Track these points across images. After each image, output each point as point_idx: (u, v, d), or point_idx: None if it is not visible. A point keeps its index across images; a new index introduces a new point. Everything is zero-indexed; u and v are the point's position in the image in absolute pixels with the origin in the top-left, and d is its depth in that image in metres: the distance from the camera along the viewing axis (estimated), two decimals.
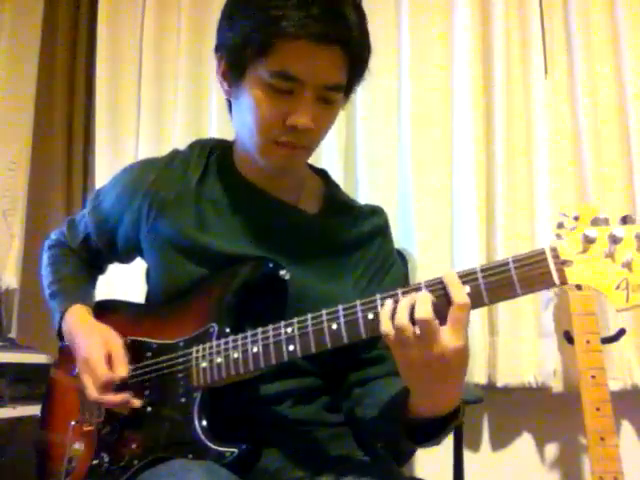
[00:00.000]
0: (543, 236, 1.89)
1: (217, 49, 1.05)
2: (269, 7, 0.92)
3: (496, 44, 1.99)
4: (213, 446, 0.92)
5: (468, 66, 1.98)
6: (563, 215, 1.15)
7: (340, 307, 0.87)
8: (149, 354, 1.05)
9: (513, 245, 1.90)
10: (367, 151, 2.04)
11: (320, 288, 1.05)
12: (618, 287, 0.77)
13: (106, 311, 1.17)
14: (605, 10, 1.98)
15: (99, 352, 1.04)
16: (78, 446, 1.07)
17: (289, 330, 0.91)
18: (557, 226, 1.38)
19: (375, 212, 1.18)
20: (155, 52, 2.24)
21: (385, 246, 1.16)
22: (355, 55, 0.97)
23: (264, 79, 0.96)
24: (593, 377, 1.62)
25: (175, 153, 1.18)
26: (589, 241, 0.79)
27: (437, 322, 0.78)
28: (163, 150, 1.24)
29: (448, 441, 1.61)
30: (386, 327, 0.81)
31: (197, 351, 0.98)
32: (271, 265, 1.02)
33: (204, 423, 0.95)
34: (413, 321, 0.79)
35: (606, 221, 0.79)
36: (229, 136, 1.21)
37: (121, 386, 1.02)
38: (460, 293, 0.79)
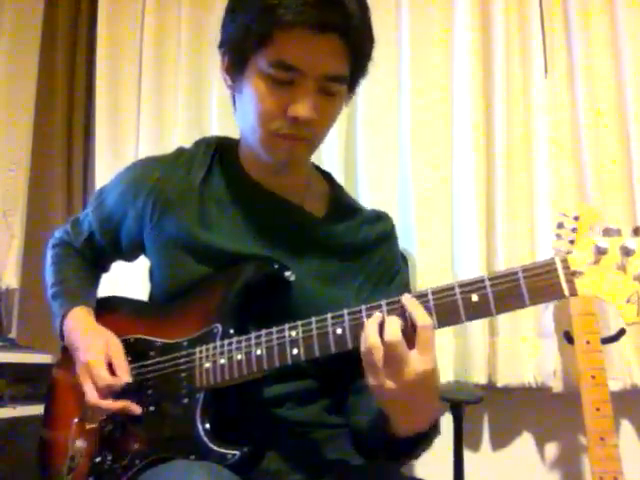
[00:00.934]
0: (543, 236, 1.89)
1: (220, 45, 1.05)
2: None
3: (496, 44, 1.99)
4: (215, 447, 0.92)
5: (468, 66, 1.98)
6: (563, 215, 1.14)
7: (345, 311, 0.87)
8: (152, 353, 1.05)
9: (513, 245, 1.90)
10: (367, 151, 2.05)
11: (323, 291, 1.05)
12: (629, 300, 0.76)
13: (109, 308, 1.17)
14: (605, 10, 1.98)
15: (100, 357, 1.04)
16: (80, 444, 1.06)
17: (293, 333, 0.90)
18: (557, 226, 1.38)
19: (381, 218, 1.18)
20: (155, 52, 2.24)
21: (391, 252, 1.16)
22: (355, 45, 0.96)
23: (264, 70, 0.96)
24: (593, 377, 1.62)
25: (180, 151, 1.18)
26: (600, 252, 0.77)
27: (405, 346, 0.79)
28: (163, 150, 1.23)
29: (448, 441, 1.61)
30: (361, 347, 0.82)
31: (200, 351, 0.98)
32: (276, 266, 1.02)
33: (206, 424, 0.95)
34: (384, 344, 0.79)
35: (618, 232, 0.78)
36: (230, 135, 1.21)
37: (122, 390, 1.02)
38: (422, 314, 0.80)
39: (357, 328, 0.85)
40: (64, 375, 1.19)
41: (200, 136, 1.22)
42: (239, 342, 0.95)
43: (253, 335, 0.94)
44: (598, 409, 1.60)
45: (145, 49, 2.25)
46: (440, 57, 2.06)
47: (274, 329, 0.92)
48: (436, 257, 1.95)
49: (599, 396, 1.61)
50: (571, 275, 0.78)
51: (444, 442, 1.62)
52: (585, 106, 1.94)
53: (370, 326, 0.82)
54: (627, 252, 0.76)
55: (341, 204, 1.16)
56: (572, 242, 1.06)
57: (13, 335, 2.14)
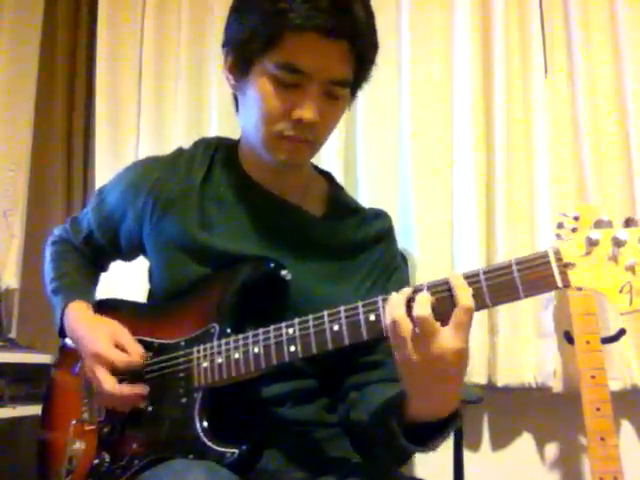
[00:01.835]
0: (543, 236, 1.89)
1: (224, 44, 1.05)
2: (277, 0, 0.92)
3: (496, 44, 1.99)
4: (214, 446, 0.92)
5: (468, 66, 1.98)
6: (563, 215, 1.15)
7: (342, 308, 0.87)
8: (151, 353, 1.04)
9: (513, 245, 1.90)
10: (367, 151, 2.05)
11: (322, 290, 1.05)
12: (621, 290, 0.76)
13: (107, 310, 1.17)
14: (605, 10, 1.98)
15: (108, 342, 1.03)
16: (79, 445, 1.06)
17: (290, 331, 0.91)
18: (557, 226, 1.38)
19: (380, 216, 1.18)
20: (155, 52, 2.24)
21: (389, 250, 1.16)
22: (362, 51, 0.97)
23: (270, 72, 0.96)
24: (593, 377, 1.62)
25: (180, 151, 1.18)
26: (592, 244, 0.78)
27: (436, 322, 0.78)
28: (163, 150, 1.24)
29: (448, 441, 1.61)
30: (386, 319, 0.81)
31: (198, 351, 0.98)
32: (272, 265, 1.02)
33: (205, 423, 0.95)
34: (413, 320, 0.79)
35: (609, 223, 0.79)
36: (230, 136, 1.21)
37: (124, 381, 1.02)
38: (466, 296, 0.79)
39: (353, 324, 0.86)
40: (62, 376, 1.19)
41: (200, 136, 1.22)
42: (236, 341, 0.95)
43: (250, 334, 0.94)
44: (598, 409, 1.60)
45: (145, 49, 2.25)
46: (440, 57, 2.06)
47: (271, 327, 0.92)
48: (436, 257, 1.95)
49: (599, 396, 1.61)
50: (564, 267, 0.78)
51: (444, 442, 1.62)
52: (585, 106, 1.94)
53: (398, 298, 0.81)
54: (618, 243, 0.77)
55: (340, 204, 1.16)
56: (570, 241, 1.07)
57: (13, 335, 2.14)
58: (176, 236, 1.09)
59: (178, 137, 2.15)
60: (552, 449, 1.95)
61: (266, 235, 1.08)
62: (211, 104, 2.17)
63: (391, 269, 1.14)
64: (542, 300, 1.88)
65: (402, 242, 1.42)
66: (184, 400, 0.98)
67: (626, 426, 1.91)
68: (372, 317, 0.85)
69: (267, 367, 0.92)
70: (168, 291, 1.10)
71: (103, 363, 1.02)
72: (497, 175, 1.94)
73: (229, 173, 1.13)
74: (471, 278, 0.81)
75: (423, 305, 0.78)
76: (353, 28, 0.94)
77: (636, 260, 0.76)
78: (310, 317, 0.90)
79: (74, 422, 1.09)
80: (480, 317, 1.85)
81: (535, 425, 1.96)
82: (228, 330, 0.98)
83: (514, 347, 1.86)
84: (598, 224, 0.79)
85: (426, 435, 0.86)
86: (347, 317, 0.87)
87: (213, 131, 2.11)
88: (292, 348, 0.90)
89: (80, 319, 1.12)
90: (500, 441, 1.99)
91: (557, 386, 1.87)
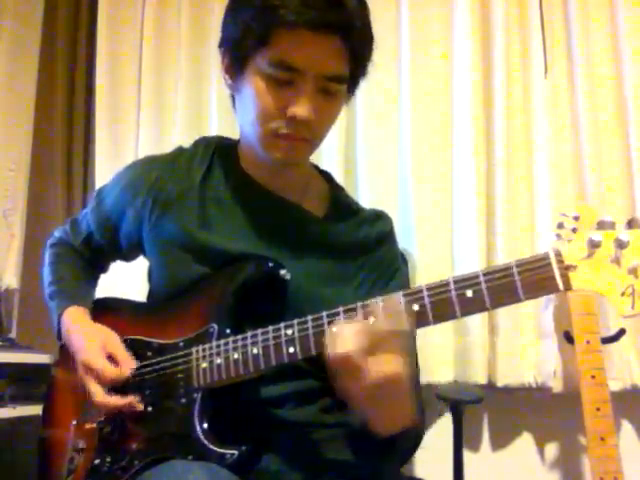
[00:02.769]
0: (543, 236, 1.89)
1: (220, 44, 1.05)
2: None
3: (496, 44, 1.99)
4: (213, 447, 0.92)
5: (468, 66, 1.98)
6: (563, 215, 1.15)
7: (341, 309, 0.88)
8: (149, 353, 1.05)
9: (513, 245, 1.90)
10: (367, 151, 2.04)
11: (321, 290, 1.05)
12: (623, 293, 0.76)
13: (106, 309, 1.17)
14: (605, 10, 1.98)
15: (99, 353, 1.04)
16: (79, 445, 1.06)
17: (289, 332, 0.91)
18: (557, 226, 1.37)
19: (380, 217, 1.18)
20: (155, 52, 2.24)
21: (390, 251, 1.16)
22: (356, 45, 0.96)
23: (264, 69, 0.96)
24: (593, 377, 1.62)
25: (179, 150, 1.18)
26: (594, 245, 0.77)
27: (360, 354, 0.79)
28: (163, 150, 1.23)
29: (448, 441, 1.61)
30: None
31: (197, 351, 0.98)
32: (271, 264, 1.02)
33: (204, 424, 0.95)
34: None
35: (612, 225, 0.78)
36: (230, 135, 1.21)
37: (122, 387, 1.02)
38: (391, 321, 0.81)
39: None
40: (63, 375, 1.19)
41: (200, 136, 1.21)
42: (235, 342, 0.95)
43: (249, 334, 0.94)
44: (598, 409, 1.60)
45: (145, 49, 2.24)
46: (440, 57, 2.06)
47: (270, 328, 0.92)
48: (436, 257, 1.95)
49: (599, 396, 1.61)
50: (565, 269, 0.77)
51: (444, 442, 1.62)
52: (585, 106, 1.94)
53: (328, 335, 0.84)
54: (621, 245, 0.76)
55: (340, 204, 1.16)
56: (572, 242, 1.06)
57: (13, 335, 2.14)
58: (175, 235, 1.08)
59: (178, 137, 2.14)
60: (552, 449, 1.95)
61: (266, 234, 1.08)
62: (211, 104, 2.17)
63: (392, 270, 1.14)
64: (542, 300, 1.87)
65: (402, 242, 1.42)
66: (183, 400, 0.98)
67: (626, 426, 1.91)
68: (371, 318, 0.85)
69: (266, 368, 0.92)
70: (167, 290, 1.10)
71: (92, 374, 1.03)
72: (497, 175, 1.94)
73: (229, 172, 1.12)
74: (471, 280, 0.81)
75: (345, 341, 0.81)
76: (346, 22, 0.93)
77: (638, 262, 0.75)
78: (309, 318, 0.90)
79: (75, 422, 1.09)
80: (480, 317, 1.85)
81: (535, 425, 1.96)
82: (227, 330, 0.98)
83: (514, 347, 1.86)
84: (600, 225, 0.78)
85: (391, 443, 0.91)
86: (346, 318, 0.87)
87: (213, 131, 2.11)
88: (291, 349, 0.90)
89: (74, 326, 1.12)
90: (500, 441, 1.98)
91: (557, 386, 1.87)
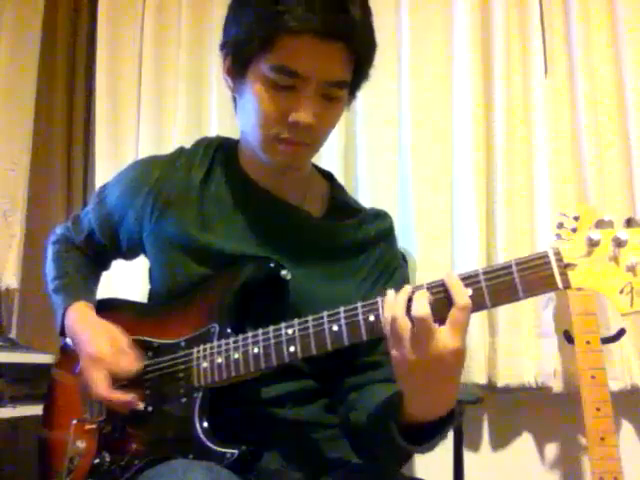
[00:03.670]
0: (543, 236, 1.90)
1: (222, 46, 1.05)
2: (273, 2, 0.92)
3: (496, 44, 1.99)
4: (214, 447, 0.92)
5: (468, 66, 1.98)
6: (563, 215, 1.15)
7: (341, 309, 0.87)
8: (150, 353, 1.05)
9: (513, 245, 1.90)
10: (367, 151, 2.05)
11: (322, 290, 1.05)
12: (622, 291, 0.76)
13: (108, 310, 1.17)
14: (605, 10, 1.98)
15: (108, 347, 1.04)
16: (80, 445, 1.06)
17: (290, 331, 0.91)
18: (557, 226, 1.38)
19: (380, 216, 1.17)
20: (155, 52, 2.24)
21: (390, 250, 1.15)
22: (359, 52, 0.96)
23: (266, 74, 0.96)
24: (593, 377, 1.62)
25: (180, 151, 1.18)
26: (593, 244, 0.77)
27: (434, 321, 0.78)
28: (163, 150, 1.24)
29: (448, 441, 1.61)
30: (384, 317, 0.81)
31: (198, 351, 0.98)
32: (272, 265, 1.02)
33: (205, 423, 0.95)
34: (411, 319, 0.79)
35: (610, 224, 0.78)
36: (230, 136, 1.21)
37: (123, 386, 1.02)
38: (461, 295, 0.79)
39: (353, 325, 0.85)
40: (63, 375, 1.19)
41: (200, 136, 1.21)
42: (236, 341, 0.95)
43: (250, 334, 0.94)
44: (598, 409, 1.61)
45: (145, 49, 2.25)
46: (440, 57, 2.06)
47: (271, 328, 0.92)
48: (436, 257, 1.95)
49: (599, 396, 1.61)
50: (564, 267, 0.78)
51: (444, 442, 1.62)
52: (585, 106, 1.94)
53: (396, 297, 0.81)
54: (619, 243, 0.76)
55: (340, 204, 1.16)
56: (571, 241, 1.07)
57: (13, 335, 2.14)
58: (175, 236, 1.08)
59: (178, 137, 2.15)
60: (552, 449, 1.95)
61: (265, 235, 1.08)
62: (211, 104, 2.17)
63: (391, 269, 1.14)
64: (542, 300, 1.88)
65: (402, 242, 1.42)
66: (184, 400, 0.98)
67: (626, 426, 1.91)
68: (372, 317, 0.85)
69: (267, 367, 0.92)
70: (168, 291, 1.10)
71: (100, 366, 1.02)
72: (497, 175, 1.94)
73: (229, 173, 1.12)
74: (471, 279, 0.81)
75: (422, 304, 0.78)
76: (349, 29, 0.93)
77: (637, 260, 0.75)
78: (310, 318, 0.90)
79: (75, 421, 1.08)
80: (480, 317, 1.85)
81: (535, 425, 1.97)
82: (228, 330, 0.98)
83: (514, 347, 1.87)
84: (599, 224, 0.79)
85: (424, 434, 0.86)
86: (346, 317, 0.87)
87: (213, 131, 2.11)
88: (292, 348, 0.90)
89: (81, 320, 1.12)
90: (500, 441, 1.99)
91: (557, 386, 1.87)
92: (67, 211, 2.21)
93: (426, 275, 1.89)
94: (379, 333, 0.84)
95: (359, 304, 0.86)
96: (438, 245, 1.97)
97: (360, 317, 0.85)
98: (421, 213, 1.98)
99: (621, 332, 1.74)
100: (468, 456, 1.73)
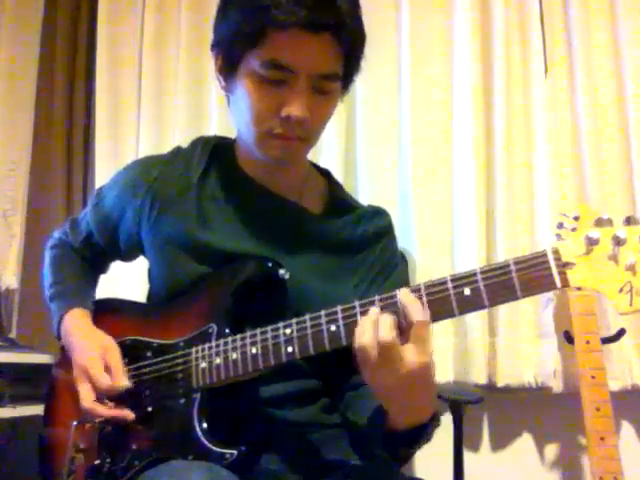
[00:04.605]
0: (543, 236, 1.89)
1: (213, 46, 1.05)
2: None
3: (496, 44, 1.99)
4: (213, 447, 0.92)
5: (468, 66, 1.98)
6: (563, 215, 1.15)
7: (339, 308, 0.87)
8: (149, 354, 1.05)
9: (513, 245, 1.90)
10: (367, 151, 2.04)
11: (320, 288, 1.05)
12: (621, 290, 0.76)
13: (106, 310, 1.17)
14: (605, 10, 1.98)
15: (97, 360, 1.04)
16: (80, 446, 1.06)
17: (287, 331, 0.90)
18: (557, 226, 1.37)
19: (379, 213, 1.18)
20: (155, 52, 2.24)
21: (388, 248, 1.16)
22: (348, 43, 0.96)
23: (256, 70, 0.96)
24: (593, 377, 1.62)
25: (177, 150, 1.18)
26: (592, 243, 0.77)
27: (399, 343, 0.79)
28: (163, 150, 1.24)
29: (448, 441, 1.61)
30: (354, 347, 0.82)
31: (196, 351, 0.98)
32: (270, 264, 1.02)
33: (204, 424, 0.95)
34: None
35: (610, 222, 0.78)
36: (230, 136, 1.21)
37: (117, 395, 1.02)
38: (418, 312, 0.80)
39: (351, 325, 0.85)
40: (64, 375, 1.18)
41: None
42: (234, 341, 0.95)
43: (248, 334, 0.94)
44: (598, 409, 1.60)
45: (145, 49, 2.25)
46: (440, 57, 2.06)
47: (269, 328, 0.92)
48: (436, 257, 1.95)
49: (599, 396, 1.61)
50: (563, 266, 0.77)
51: (444, 442, 1.62)
52: (585, 106, 1.94)
53: (364, 324, 0.82)
54: (618, 242, 0.76)
55: (339, 201, 1.16)
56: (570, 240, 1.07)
57: (13, 335, 2.14)
58: (174, 235, 1.09)
59: (178, 137, 2.15)
60: (552, 449, 1.95)
61: (264, 233, 1.08)
62: (211, 104, 2.17)
63: (390, 267, 1.14)
64: (542, 300, 1.87)
65: (402, 242, 1.42)
66: (183, 401, 0.98)
67: (626, 426, 1.91)
68: None
69: (265, 368, 0.92)
70: (167, 290, 1.10)
71: (86, 379, 1.03)
72: (497, 175, 1.94)
73: (226, 171, 1.13)
74: (468, 278, 0.81)
75: (386, 330, 0.79)
76: (337, 21, 0.93)
77: (636, 259, 0.75)
78: (307, 317, 0.89)
79: (75, 422, 1.08)
80: (480, 317, 1.85)
81: (535, 425, 1.96)
82: (226, 330, 0.98)
83: (514, 347, 1.86)
84: (598, 223, 0.79)
85: (412, 437, 0.88)
86: (344, 317, 0.87)
87: (213, 131, 2.11)
88: (289, 349, 0.90)
89: (75, 329, 1.12)
90: (500, 441, 1.98)
91: (557, 386, 1.86)
92: (67, 211, 2.21)
93: (426, 275, 1.90)
94: None
95: (357, 303, 0.86)
96: (438, 245, 1.97)
97: (358, 317, 0.85)
98: (421, 213, 1.98)
99: (621, 332, 1.74)
100: (468, 456, 1.73)
